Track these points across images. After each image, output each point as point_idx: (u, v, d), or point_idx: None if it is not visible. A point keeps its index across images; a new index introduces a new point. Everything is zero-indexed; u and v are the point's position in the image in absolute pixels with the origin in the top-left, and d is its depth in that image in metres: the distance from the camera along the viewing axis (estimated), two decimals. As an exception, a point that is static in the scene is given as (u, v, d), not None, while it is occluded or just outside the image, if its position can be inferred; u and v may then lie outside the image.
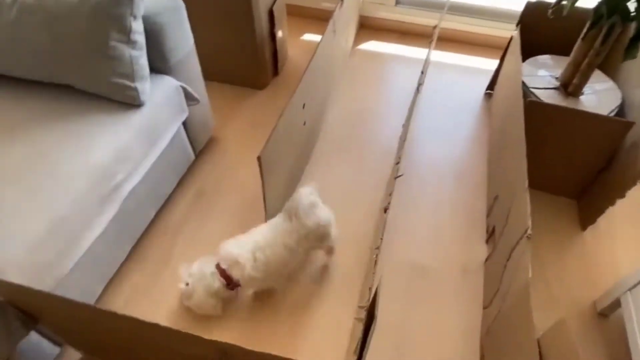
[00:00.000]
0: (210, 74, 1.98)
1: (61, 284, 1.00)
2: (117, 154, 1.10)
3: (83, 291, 1.14)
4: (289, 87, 1.99)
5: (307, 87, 1.33)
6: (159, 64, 1.29)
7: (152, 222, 1.42)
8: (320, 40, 1.40)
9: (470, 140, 1.78)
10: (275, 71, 2.03)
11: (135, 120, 1.17)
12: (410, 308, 1.28)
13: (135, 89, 1.14)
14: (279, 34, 1.92)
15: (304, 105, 1.33)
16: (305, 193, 1.13)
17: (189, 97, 1.39)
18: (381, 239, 0.84)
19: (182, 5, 1.29)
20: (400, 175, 0.93)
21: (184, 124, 1.44)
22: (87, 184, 1.03)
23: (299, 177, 1.59)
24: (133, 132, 1.15)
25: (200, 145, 1.61)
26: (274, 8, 1.79)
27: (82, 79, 1.13)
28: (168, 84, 1.28)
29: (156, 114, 1.23)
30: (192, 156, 1.56)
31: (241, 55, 1.84)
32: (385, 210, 0.87)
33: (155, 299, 1.27)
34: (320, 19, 2.38)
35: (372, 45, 2.24)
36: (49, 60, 1.10)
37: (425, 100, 1.93)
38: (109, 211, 1.10)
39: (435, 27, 1.48)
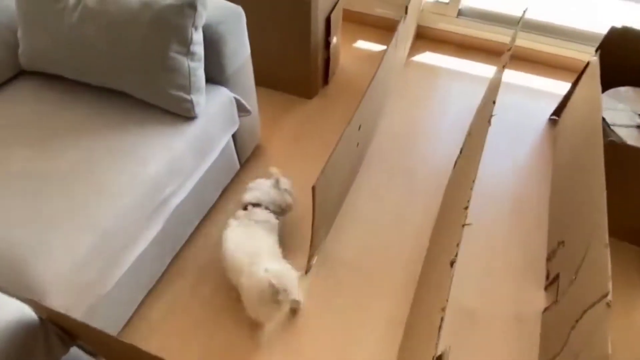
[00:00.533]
0: (260, 80, 1.94)
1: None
2: (169, 167, 1.07)
3: (123, 302, 1.12)
4: (338, 98, 1.92)
5: (366, 107, 1.26)
6: (216, 75, 1.24)
7: (193, 233, 1.39)
8: (383, 56, 1.31)
9: (529, 171, 1.66)
10: (326, 80, 1.96)
11: (189, 132, 1.13)
12: (456, 357, 1.19)
13: (190, 102, 1.10)
14: (334, 41, 1.84)
15: (360, 126, 1.25)
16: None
17: (242, 109, 1.34)
18: (447, 300, 0.76)
19: (243, 14, 1.23)
20: (468, 224, 0.84)
21: (233, 133, 1.40)
22: (135, 199, 1.00)
23: (342, 200, 1.52)
24: (186, 144, 1.11)
25: (246, 154, 1.57)
26: (332, 15, 1.72)
27: (138, 88, 1.10)
28: (223, 95, 1.24)
29: (209, 127, 1.19)
30: (238, 166, 1.51)
31: (293, 63, 1.78)
32: (452, 263, 0.79)
33: (191, 313, 1.24)
34: (373, 26, 2.29)
35: (428, 57, 2.13)
36: (107, 66, 1.07)
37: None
38: (155, 226, 1.07)
39: (509, 49, 1.36)
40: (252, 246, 1.14)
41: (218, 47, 1.17)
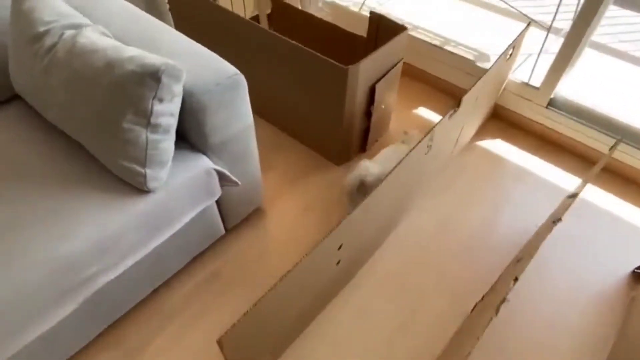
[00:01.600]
0: (289, 129, 1.76)
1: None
2: (97, 245, 0.93)
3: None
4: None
5: (352, 224, 1.00)
6: (199, 143, 1.09)
7: (144, 301, 1.26)
8: (402, 160, 1.05)
9: (581, 336, 1.24)
10: (363, 148, 1.72)
11: (138, 207, 0.98)
12: None
13: (144, 176, 0.96)
14: (380, 108, 1.59)
15: (340, 246, 1.00)
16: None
17: (226, 180, 1.17)
18: None
19: (242, 82, 1.06)
20: None
21: (218, 199, 1.24)
22: (43, 276, 0.88)
23: (310, 317, 1.27)
24: (131, 220, 0.97)
25: (235, 220, 1.40)
26: (378, 84, 1.47)
27: (93, 148, 0.98)
28: (199, 166, 1.08)
29: (170, 201, 1.04)
30: (221, 231, 1.35)
31: (324, 126, 1.57)
32: None
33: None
34: (445, 91, 1.97)
35: (497, 145, 1.77)
36: (67, 117, 0.97)
37: (539, 259, 1.42)
38: (69, 305, 0.94)
39: (603, 160, 1.01)
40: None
41: (200, 118, 1.02)
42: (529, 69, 1.78)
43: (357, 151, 1.71)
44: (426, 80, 2.01)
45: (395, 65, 1.54)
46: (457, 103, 1.22)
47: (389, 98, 1.66)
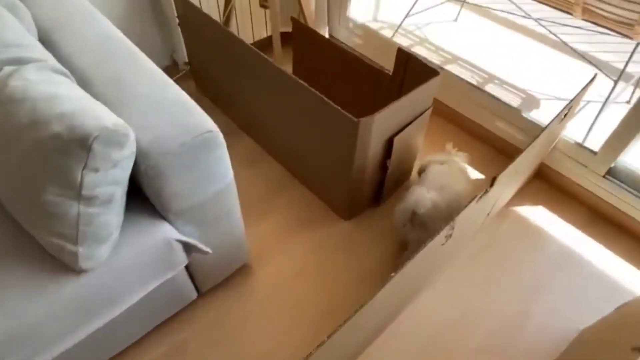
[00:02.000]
0: (296, 172, 1.55)
1: None
2: (13, 337, 0.75)
3: None
4: (381, 227, 1.41)
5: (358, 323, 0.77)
6: (160, 209, 0.89)
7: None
8: (418, 251, 0.81)
9: None
10: (377, 201, 1.47)
11: (65, 291, 0.79)
12: None
13: (75, 254, 0.76)
14: (392, 165, 1.34)
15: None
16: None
17: (194, 250, 0.97)
18: None
19: (216, 143, 0.85)
20: None
21: (189, 265, 1.04)
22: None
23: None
24: (56, 307, 0.78)
25: (212, 282, 1.19)
26: (397, 138, 1.22)
27: (19, 217, 0.79)
28: (157, 237, 0.88)
29: (111, 281, 0.84)
30: (192, 296, 1.15)
31: (332, 177, 1.34)
32: None
33: None
34: (487, 142, 1.69)
35: (538, 213, 1.47)
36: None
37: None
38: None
39: None
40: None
41: (157, 184, 0.81)
42: (585, 123, 1.49)
43: (370, 205, 1.47)
44: (461, 123, 1.73)
45: (422, 113, 1.29)
46: (490, 182, 0.96)
47: (412, 149, 1.41)
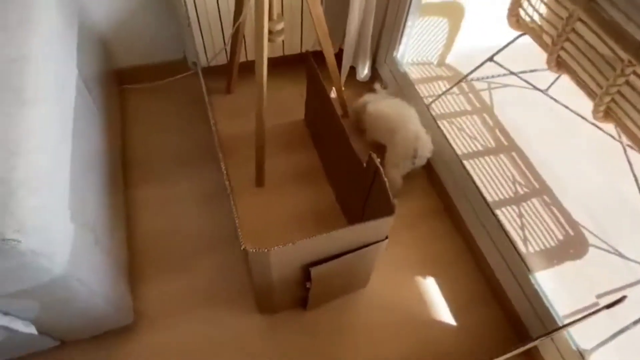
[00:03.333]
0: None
1: None
2: None
3: None
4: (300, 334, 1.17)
5: None
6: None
7: None
8: None
9: None
10: (304, 307, 1.23)
11: None
12: None
13: None
14: (317, 286, 1.07)
15: None
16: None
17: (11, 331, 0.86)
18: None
19: (12, 254, 0.69)
20: None
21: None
22: None
23: None
24: None
25: (77, 337, 1.10)
26: (315, 269, 0.96)
27: None
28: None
29: None
30: (50, 344, 1.06)
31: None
32: None
33: None
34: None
35: None
36: None
37: None
38: None
39: None
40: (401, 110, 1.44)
41: None
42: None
43: (293, 307, 1.24)
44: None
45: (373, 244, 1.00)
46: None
47: (358, 272, 1.13)
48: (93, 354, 1.14)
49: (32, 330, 0.89)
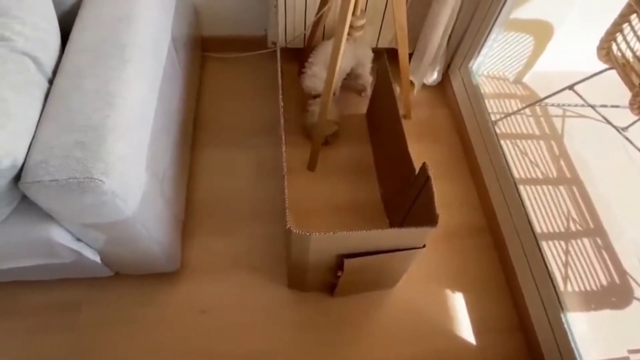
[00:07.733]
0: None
1: None
2: None
3: None
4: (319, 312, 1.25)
5: None
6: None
7: None
8: None
9: None
10: (331, 293, 1.29)
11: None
12: None
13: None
14: (349, 278, 1.12)
15: None
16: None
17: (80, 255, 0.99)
18: None
19: (96, 192, 0.80)
20: None
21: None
22: None
23: None
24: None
25: (128, 272, 1.23)
26: (349, 261, 1.01)
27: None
28: (36, 236, 0.90)
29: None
30: (105, 273, 1.20)
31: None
32: None
33: None
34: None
35: None
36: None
37: None
38: None
39: None
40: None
41: (36, 201, 0.82)
42: None
43: (320, 290, 1.30)
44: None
45: (408, 249, 1.04)
46: None
47: (388, 272, 1.17)
48: (139, 288, 1.28)
49: (97, 258, 1.02)
